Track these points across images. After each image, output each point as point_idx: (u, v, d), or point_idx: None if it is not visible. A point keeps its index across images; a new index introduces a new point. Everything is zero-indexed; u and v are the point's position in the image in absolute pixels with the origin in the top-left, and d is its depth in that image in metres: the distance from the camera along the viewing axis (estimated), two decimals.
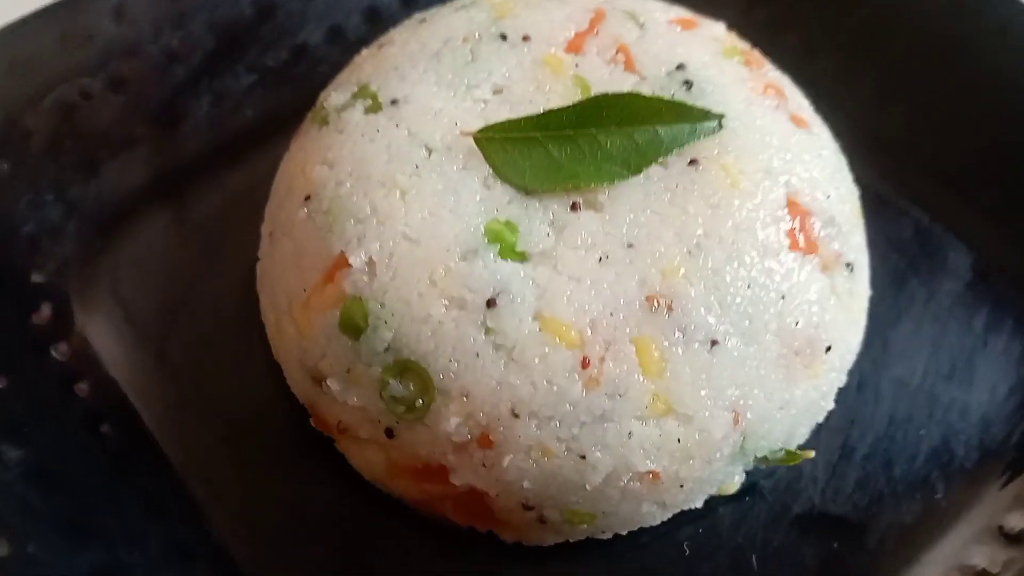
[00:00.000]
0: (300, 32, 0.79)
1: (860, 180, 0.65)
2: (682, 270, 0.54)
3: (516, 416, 0.52)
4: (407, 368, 0.53)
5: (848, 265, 0.58)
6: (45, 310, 0.66)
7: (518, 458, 0.53)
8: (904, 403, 0.64)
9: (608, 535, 0.58)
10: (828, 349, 0.56)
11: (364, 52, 0.68)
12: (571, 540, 0.58)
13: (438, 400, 0.53)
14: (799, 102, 0.64)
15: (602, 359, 0.52)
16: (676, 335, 0.52)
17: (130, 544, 0.57)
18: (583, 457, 0.52)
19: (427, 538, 0.60)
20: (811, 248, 0.57)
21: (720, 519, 0.60)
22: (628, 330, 0.52)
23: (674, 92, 0.60)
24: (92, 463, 0.60)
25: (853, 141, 0.67)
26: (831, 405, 0.61)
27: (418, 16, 0.68)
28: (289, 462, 0.62)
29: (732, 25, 0.67)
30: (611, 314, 0.52)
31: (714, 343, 0.53)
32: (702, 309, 0.53)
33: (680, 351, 0.52)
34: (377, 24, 0.80)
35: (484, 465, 0.53)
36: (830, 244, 0.58)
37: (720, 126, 0.57)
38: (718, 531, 0.60)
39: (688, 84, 0.60)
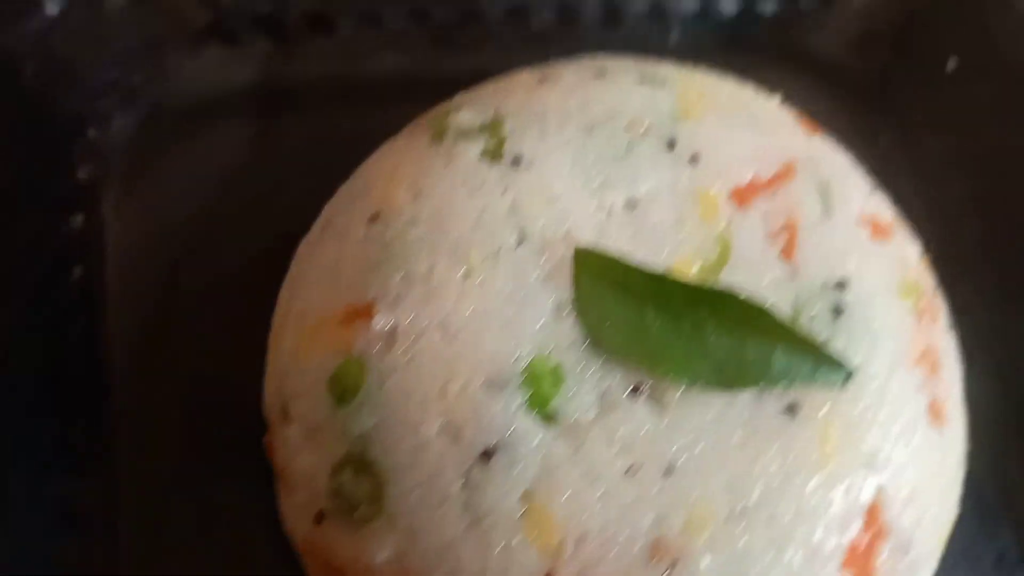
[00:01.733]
0: None
1: None
2: (708, 532, 0.44)
3: None
4: (369, 470, 0.46)
5: None
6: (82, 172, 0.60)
7: None
8: None
9: None
10: None
11: (525, 75, 0.57)
12: None
13: (381, 521, 0.45)
14: (948, 383, 0.52)
15: None
16: None
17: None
18: None
19: None
20: (866, 574, 0.46)
21: None
22: (613, 569, 0.43)
23: (818, 312, 0.48)
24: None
25: None
26: None
27: (599, 62, 0.57)
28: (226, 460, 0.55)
29: None
30: (604, 542, 0.43)
31: None
32: None
33: None
34: (568, 24, 0.70)
35: None
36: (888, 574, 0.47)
37: (846, 382, 0.46)
38: None
39: (838, 312, 0.48)
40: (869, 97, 0.72)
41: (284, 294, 0.55)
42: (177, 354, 0.58)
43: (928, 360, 0.50)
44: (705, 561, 0.43)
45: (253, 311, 0.56)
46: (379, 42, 0.67)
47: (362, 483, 0.46)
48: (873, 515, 0.46)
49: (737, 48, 0.70)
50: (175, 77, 0.64)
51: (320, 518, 0.47)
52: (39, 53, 0.59)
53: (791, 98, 0.60)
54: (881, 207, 0.55)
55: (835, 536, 0.45)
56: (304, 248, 0.55)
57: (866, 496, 0.46)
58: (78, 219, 0.59)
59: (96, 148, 0.61)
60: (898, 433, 0.47)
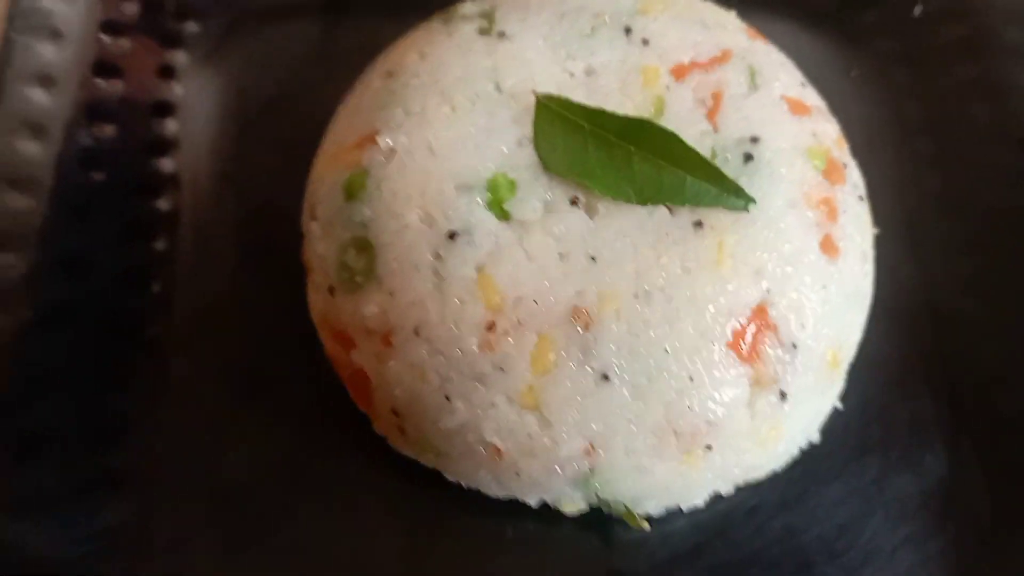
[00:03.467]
0: None
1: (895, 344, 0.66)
2: (618, 304, 0.55)
3: (417, 335, 0.57)
4: (365, 246, 0.59)
5: (782, 394, 0.57)
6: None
7: (401, 368, 0.58)
8: (780, 548, 0.62)
9: (452, 478, 0.62)
10: (708, 447, 0.57)
11: None
12: (422, 462, 0.63)
13: (371, 285, 0.59)
14: (850, 232, 0.62)
15: (506, 332, 0.55)
16: (576, 352, 0.55)
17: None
18: (448, 399, 0.56)
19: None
20: (750, 358, 0.56)
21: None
22: (541, 323, 0.55)
23: (730, 156, 0.60)
24: None
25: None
26: (699, 502, 0.61)
27: None
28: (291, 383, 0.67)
29: None
30: (536, 302, 0.55)
31: (604, 377, 0.55)
32: (612, 345, 0.55)
33: (572, 366, 0.55)
34: None
35: (377, 357, 0.59)
36: (773, 366, 0.57)
37: (745, 208, 0.57)
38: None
39: (748, 157, 0.60)
40: (845, 38, 0.83)
41: (322, 141, 0.69)
42: (242, 189, 0.73)
43: (827, 207, 0.61)
44: (614, 325, 0.55)
45: (302, 164, 0.71)
46: None
47: (360, 258, 0.59)
48: (760, 311, 0.57)
49: None
50: None
51: (331, 291, 0.61)
52: None
53: (775, 37, 0.71)
54: (806, 94, 0.66)
55: (721, 321, 0.56)
56: (340, 107, 0.70)
57: (753, 295, 0.57)
58: (176, 86, 0.76)
59: (193, 37, 0.78)
60: (788, 253, 0.58)
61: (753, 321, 0.56)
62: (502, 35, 0.64)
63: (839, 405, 0.64)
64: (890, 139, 0.77)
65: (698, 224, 0.57)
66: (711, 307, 0.56)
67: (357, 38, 0.79)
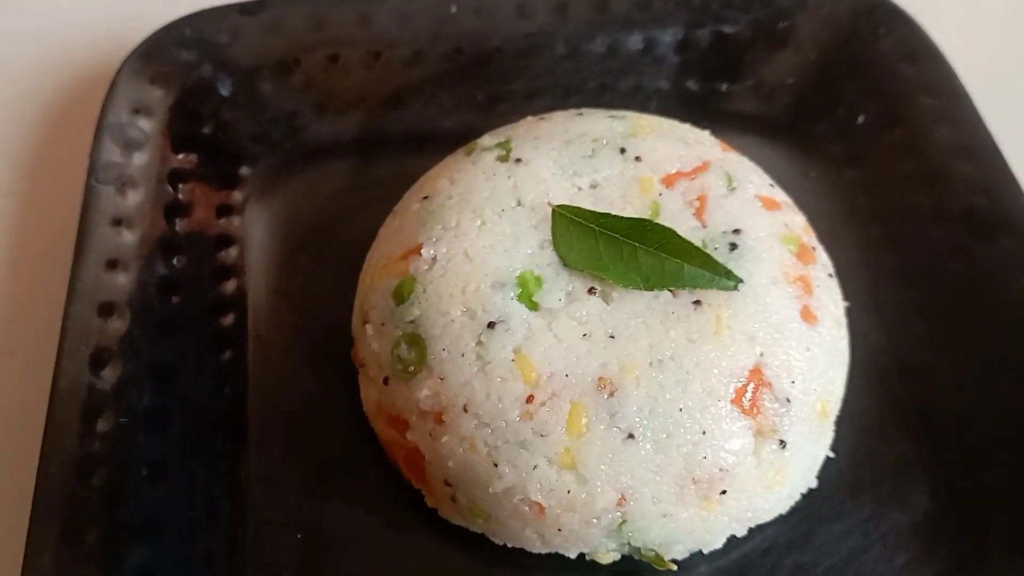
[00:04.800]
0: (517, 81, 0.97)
1: (872, 397, 0.75)
2: (636, 372, 0.65)
3: (466, 411, 0.66)
4: (416, 341, 0.69)
5: (782, 443, 0.66)
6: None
7: (453, 441, 0.66)
8: None
9: (499, 541, 0.70)
10: (723, 492, 0.65)
11: (530, 118, 0.84)
12: (471, 529, 0.70)
13: (423, 373, 0.68)
14: (824, 302, 0.72)
15: (543, 403, 0.64)
16: (604, 415, 0.64)
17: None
18: (496, 465, 0.65)
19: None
20: (751, 411, 0.65)
21: None
22: (573, 393, 0.64)
23: (718, 246, 0.70)
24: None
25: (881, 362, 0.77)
26: (718, 544, 0.69)
27: (579, 111, 0.83)
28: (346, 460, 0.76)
29: None
30: (567, 375, 0.65)
31: (630, 436, 0.63)
32: (635, 407, 0.64)
33: (601, 427, 0.64)
34: (571, 96, 0.97)
35: (430, 435, 0.67)
36: (771, 417, 0.66)
37: (735, 288, 0.68)
38: None
39: (733, 246, 0.70)
40: (802, 146, 0.96)
41: (368, 257, 0.80)
42: (294, 303, 0.83)
43: (803, 283, 0.71)
44: (635, 390, 0.64)
45: (347, 279, 0.82)
46: (439, 112, 0.96)
47: (412, 351, 0.69)
48: (757, 372, 0.66)
49: (701, 115, 0.94)
50: (302, 133, 0.93)
51: (386, 381, 0.70)
52: (217, 117, 0.90)
53: (743, 149, 0.84)
54: (775, 193, 0.78)
55: (725, 382, 0.65)
56: (381, 229, 0.81)
57: (749, 359, 0.66)
58: (235, 220, 0.87)
59: (247, 178, 0.90)
60: (775, 322, 0.68)
61: (752, 380, 0.66)
62: (519, 161, 0.76)
63: (831, 454, 0.73)
64: (848, 227, 0.89)
65: (697, 303, 0.67)
66: (715, 370, 0.65)
67: (388, 171, 0.92)
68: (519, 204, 0.73)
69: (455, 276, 0.69)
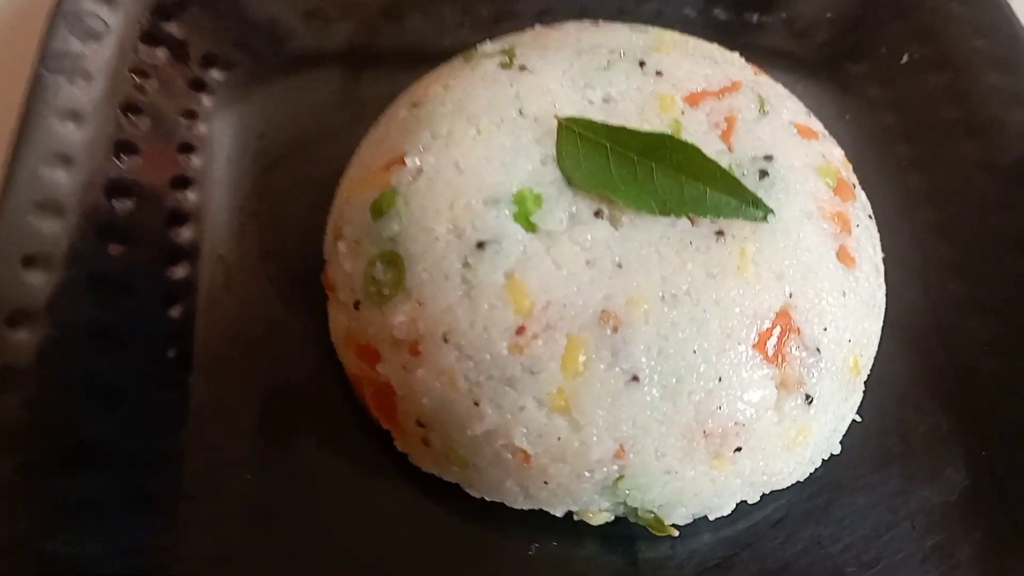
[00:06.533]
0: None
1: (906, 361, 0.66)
2: (645, 306, 0.55)
3: (445, 341, 0.56)
4: (393, 260, 0.59)
5: (807, 398, 0.57)
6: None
7: (429, 375, 0.56)
8: (808, 560, 0.61)
9: (475, 493, 0.60)
10: (738, 450, 0.56)
11: (538, 27, 0.74)
12: (443, 478, 0.61)
13: (400, 296, 0.58)
14: (863, 244, 0.62)
15: (536, 336, 0.55)
16: (606, 353, 0.54)
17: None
18: (476, 404, 0.55)
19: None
20: (776, 360, 0.56)
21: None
22: (571, 326, 0.55)
23: (746, 172, 0.61)
24: None
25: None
26: (726, 510, 0.59)
27: (593, 21, 0.73)
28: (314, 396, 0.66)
29: None
30: (565, 306, 0.55)
31: (634, 378, 0.54)
32: (641, 345, 0.54)
33: (601, 367, 0.54)
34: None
35: (404, 367, 0.58)
36: (798, 368, 0.56)
37: (764, 218, 0.58)
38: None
39: (763, 173, 0.61)
40: (838, 86, 0.86)
41: (347, 170, 0.70)
42: (263, 223, 0.73)
43: (840, 220, 0.62)
44: (643, 327, 0.54)
45: (324, 201, 0.72)
46: (440, 27, 0.86)
47: (388, 271, 0.59)
48: (784, 315, 0.57)
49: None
50: (287, 41, 0.83)
51: (357, 305, 0.60)
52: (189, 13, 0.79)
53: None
54: (812, 121, 0.68)
55: (747, 323, 0.56)
56: (364, 138, 0.71)
57: (776, 299, 0.57)
58: (201, 127, 0.77)
59: (219, 83, 0.80)
60: (807, 261, 0.58)
61: (778, 324, 0.56)
62: (523, 68, 0.65)
63: (858, 417, 0.63)
64: (885, 176, 0.79)
65: (720, 233, 0.58)
66: (737, 309, 0.56)
67: (379, 89, 0.80)
68: (521, 115, 0.63)
69: (443, 190, 0.60)
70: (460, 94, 0.65)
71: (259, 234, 0.73)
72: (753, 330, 0.56)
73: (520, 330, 0.55)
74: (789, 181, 0.61)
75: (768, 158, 0.62)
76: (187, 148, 0.76)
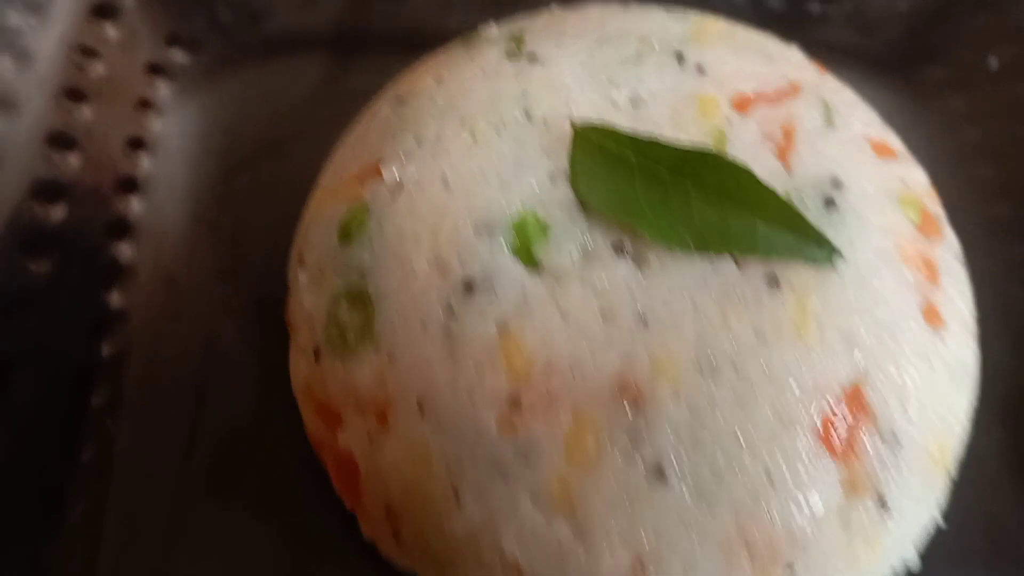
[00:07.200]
0: None
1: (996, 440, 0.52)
2: (675, 378, 0.42)
3: (420, 409, 0.44)
4: (361, 299, 0.47)
5: (881, 502, 0.44)
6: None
7: (398, 453, 0.44)
8: None
9: None
10: (789, 567, 0.43)
11: (554, 7, 0.61)
12: None
13: (366, 346, 0.46)
14: (952, 296, 0.49)
15: (533, 409, 0.42)
16: (622, 438, 0.41)
17: None
18: (456, 494, 0.43)
19: None
20: (844, 455, 0.43)
21: None
22: (579, 399, 0.42)
23: (808, 202, 0.47)
24: None
25: None
26: None
27: (622, 2, 0.60)
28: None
29: None
30: (572, 371, 0.42)
31: (659, 474, 0.41)
32: (669, 430, 0.41)
33: (618, 457, 0.41)
34: None
35: (368, 438, 0.46)
36: (870, 464, 0.43)
37: (830, 262, 0.45)
38: None
39: (830, 203, 0.47)
40: (911, 93, 0.72)
41: (321, 175, 0.58)
42: (220, 238, 0.61)
43: (926, 267, 0.48)
44: (671, 405, 0.42)
45: (299, 213, 0.59)
46: (441, 6, 0.73)
47: (354, 313, 0.47)
48: (855, 394, 0.44)
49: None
50: (264, 20, 0.71)
51: (317, 353, 0.48)
52: None
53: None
54: (889, 136, 0.54)
55: (807, 403, 0.43)
56: (342, 138, 0.58)
57: (845, 371, 0.43)
58: (155, 120, 0.65)
59: (181, 67, 0.68)
60: (884, 319, 0.45)
61: (847, 404, 0.43)
62: (533, 58, 0.53)
63: (941, 522, 0.50)
64: (967, 202, 0.65)
65: (773, 280, 0.45)
66: (794, 384, 0.43)
67: (369, 79, 0.67)
68: (527, 116, 0.50)
69: (425, 211, 0.47)
70: (454, 89, 0.52)
71: (215, 251, 0.61)
72: (815, 412, 0.43)
73: (514, 401, 0.42)
74: (863, 213, 0.48)
75: (836, 183, 0.48)
76: (137, 144, 0.64)
